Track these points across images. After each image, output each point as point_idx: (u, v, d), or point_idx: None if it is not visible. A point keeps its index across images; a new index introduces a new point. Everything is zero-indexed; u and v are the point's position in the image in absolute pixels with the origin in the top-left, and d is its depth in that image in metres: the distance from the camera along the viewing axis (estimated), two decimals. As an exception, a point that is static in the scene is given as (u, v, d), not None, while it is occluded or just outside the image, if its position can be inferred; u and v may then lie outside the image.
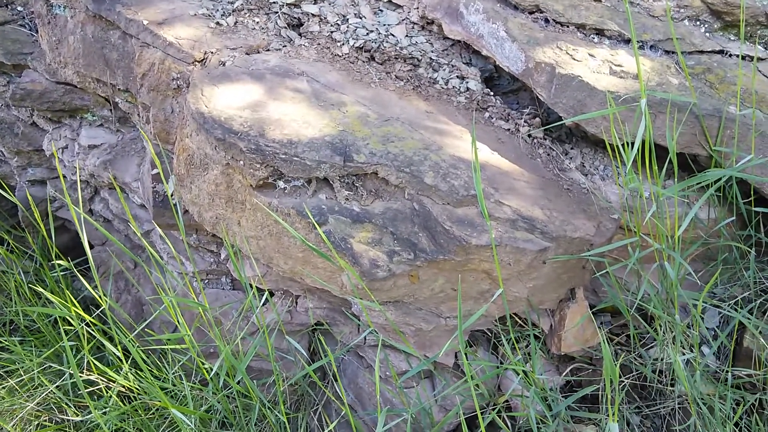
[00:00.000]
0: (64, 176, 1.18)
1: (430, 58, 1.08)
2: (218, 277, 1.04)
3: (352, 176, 0.82)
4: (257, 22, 1.11)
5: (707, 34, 0.95)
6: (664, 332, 0.77)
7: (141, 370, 0.89)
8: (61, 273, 1.09)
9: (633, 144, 0.78)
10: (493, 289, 0.80)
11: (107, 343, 0.81)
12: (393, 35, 1.12)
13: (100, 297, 0.91)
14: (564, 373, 0.90)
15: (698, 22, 0.96)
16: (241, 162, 0.79)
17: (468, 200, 0.78)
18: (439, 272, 0.77)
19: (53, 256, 1.05)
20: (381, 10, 1.19)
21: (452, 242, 0.74)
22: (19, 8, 1.39)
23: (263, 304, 0.94)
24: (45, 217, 1.31)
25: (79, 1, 1.13)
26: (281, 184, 0.81)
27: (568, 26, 0.95)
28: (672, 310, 0.77)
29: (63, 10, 1.18)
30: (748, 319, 0.75)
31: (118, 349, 0.84)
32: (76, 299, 1.16)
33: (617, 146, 0.79)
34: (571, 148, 0.95)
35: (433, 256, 0.75)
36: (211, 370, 0.89)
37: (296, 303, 0.94)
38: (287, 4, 1.14)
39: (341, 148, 0.79)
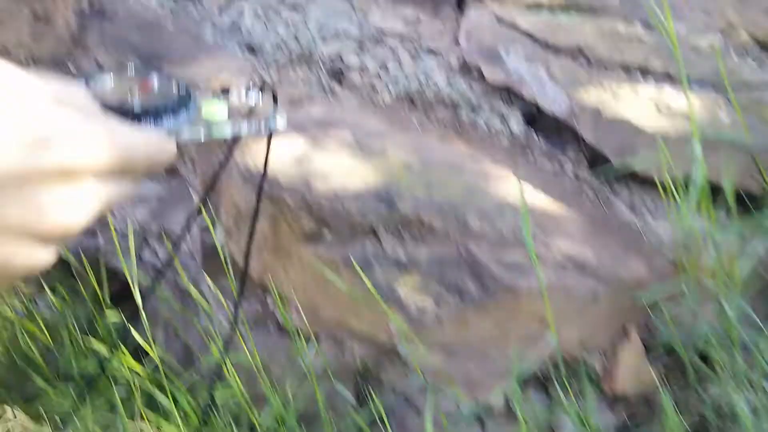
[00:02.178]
0: (114, 226, 1.21)
1: (471, 102, 1.09)
2: (265, 323, 1.04)
3: (398, 223, 0.82)
4: (300, 75, 1.14)
5: (757, 67, 0.93)
6: (723, 372, 0.74)
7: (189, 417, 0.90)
8: (113, 322, 1.11)
9: (685, 184, 0.76)
10: (543, 331, 0.78)
11: (158, 393, 0.82)
12: (433, 81, 1.14)
13: (150, 347, 0.92)
14: (619, 414, 0.87)
15: (746, 56, 0.94)
16: (288, 215, 0.80)
17: (515, 244, 0.77)
18: (488, 316, 0.76)
19: (104, 305, 1.08)
20: (420, 57, 1.21)
21: (500, 286, 0.73)
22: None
23: (309, 350, 0.94)
24: (96, 265, 1.34)
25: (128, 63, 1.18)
26: (327, 234, 0.81)
27: (611, 66, 0.95)
28: (731, 349, 0.74)
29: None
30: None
31: (168, 399, 0.85)
32: (126, 345, 1.18)
33: (669, 187, 0.78)
34: (619, 185, 0.94)
35: (482, 301, 0.74)
36: (260, 416, 0.88)
37: (343, 347, 0.94)
38: (329, 57, 1.17)
39: (386, 197, 0.80)
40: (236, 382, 0.81)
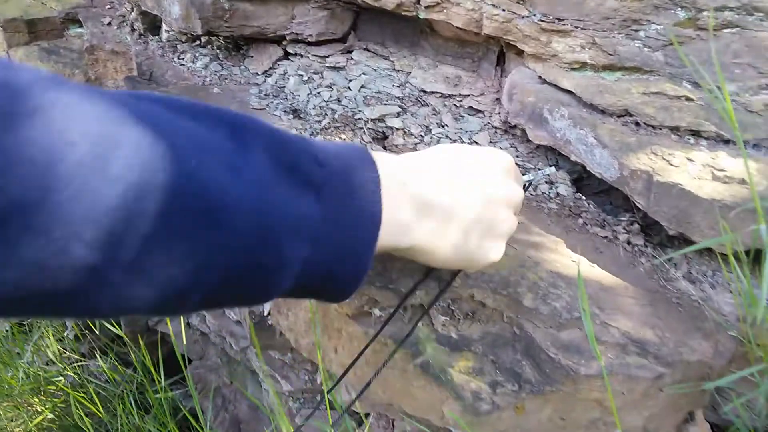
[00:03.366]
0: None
1: (516, 164, 1.08)
2: (314, 396, 1.03)
3: (448, 300, 0.80)
4: (344, 139, 1.15)
5: (814, 126, 0.90)
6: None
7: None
8: (162, 392, 1.11)
9: (747, 254, 0.73)
10: (605, 418, 0.75)
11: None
12: (476, 142, 1.13)
13: (199, 425, 0.92)
14: (689, 504, 0.82)
15: (803, 115, 0.90)
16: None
17: (572, 323, 0.74)
18: (546, 402, 0.73)
19: (155, 374, 1.08)
20: (462, 116, 1.21)
21: (559, 371, 0.71)
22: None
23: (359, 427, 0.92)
24: (146, 331, 1.35)
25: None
26: (377, 312, 0.80)
27: (661, 129, 0.93)
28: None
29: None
30: None
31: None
32: (175, 415, 1.18)
33: (729, 257, 0.75)
34: (675, 255, 0.91)
35: (539, 387, 0.71)
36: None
37: (393, 426, 0.92)
38: (372, 120, 1.17)
39: (434, 271, 0.78)
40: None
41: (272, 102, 1.25)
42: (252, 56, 1.41)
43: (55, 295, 0.35)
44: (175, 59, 1.47)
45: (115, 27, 1.72)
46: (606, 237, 0.91)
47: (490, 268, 0.81)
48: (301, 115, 1.21)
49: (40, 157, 0.32)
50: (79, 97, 0.36)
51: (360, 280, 0.53)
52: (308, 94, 1.25)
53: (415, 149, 1.13)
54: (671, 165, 0.86)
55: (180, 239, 0.38)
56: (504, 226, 0.63)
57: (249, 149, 0.44)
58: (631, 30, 1.02)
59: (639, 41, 1.02)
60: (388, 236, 0.54)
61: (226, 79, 1.38)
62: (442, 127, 1.17)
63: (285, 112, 1.22)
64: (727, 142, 0.89)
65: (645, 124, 0.94)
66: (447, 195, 0.59)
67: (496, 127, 1.17)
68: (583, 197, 1.00)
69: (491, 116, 1.19)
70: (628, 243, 0.90)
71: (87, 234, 0.34)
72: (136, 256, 0.36)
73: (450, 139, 1.14)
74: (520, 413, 0.73)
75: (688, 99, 0.95)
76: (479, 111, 1.21)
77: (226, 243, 0.40)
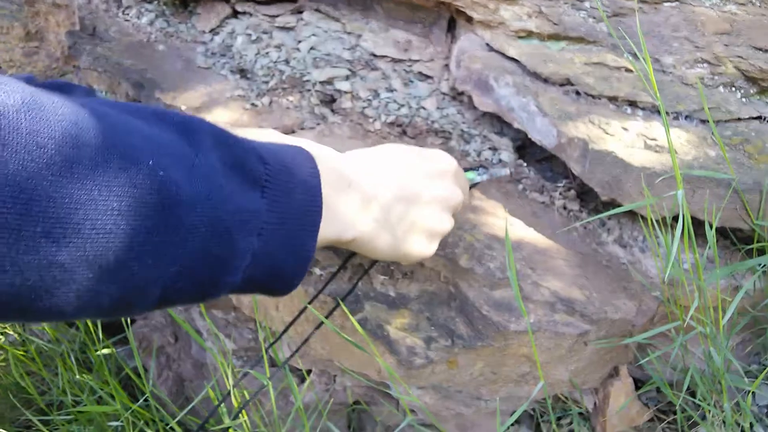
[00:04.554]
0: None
1: (462, 130, 1.09)
2: (257, 354, 1.04)
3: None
4: (291, 101, 1.14)
5: (743, 100, 0.94)
6: (712, 416, 0.74)
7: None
8: (104, 349, 1.11)
9: (672, 219, 0.76)
10: (534, 371, 0.79)
11: (149, 431, 0.82)
12: (424, 108, 1.14)
13: (141, 381, 0.92)
14: (611, 454, 0.87)
15: (733, 89, 0.95)
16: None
17: (505, 283, 0.77)
18: (478, 357, 0.76)
19: (95, 333, 1.08)
20: (412, 81, 1.21)
21: (490, 328, 0.74)
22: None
23: (301, 385, 0.94)
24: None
25: (120, 86, 1.18)
26: (317, 270, 0.81)
27: (600, 98, 0.95)
28: (720, 389, 0.75)
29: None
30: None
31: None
32: (119, 373, 1.17)
33: (651, 222, 0.78)
34: (608, 219, 0.94)
35: (472, 342, 0.74)
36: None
37: (334, 381, 0.94)
38: (320, 82, 1.17)
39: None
40: (230, 426, 0.82)
41: (219, 61, 1.24)
42: (199, 13, 1.38)
43: (20, 295, 0.36)
44: (120, 14, 1.43)
45: (58, -22, 1.65)
46: (543, 202, 0.94)
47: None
48: (248, 76, 1.20)
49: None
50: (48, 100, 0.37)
51: (304, 271, 0.55)
52: (256, 54, 1.23)
53: (362, 113, 1.14)
54: (607, 133, 0.89)
55: (140, 234, 0.40)
56: (439, 226, 0.67)
57: (199, 148, 0.46)
58: (577, 0, 1.04)
59: (584, 11, 1.05)
60: (330, 228, 0.57)
61: (171, 36, 1.35)
62: (391, 91, 1.18)
63: (232, 71, 1.21)
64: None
65: (585, 93, 0.97)
66: (389, 193, 0.63)
67: (444, 94, 1.18)
68: (525, 164, 1.02)
69: (440, 82, 1.20)
70: (564, 208, 0.93)
71: (55, 230, 0.35)
72: (100, 251, 0.38)
73: (398, 103, 1.15)
74: (453, 367, 0.76)
75: (628, 70, 0.98)
76: (428, 77, 1.22)
77: (182, 237, 0.43)
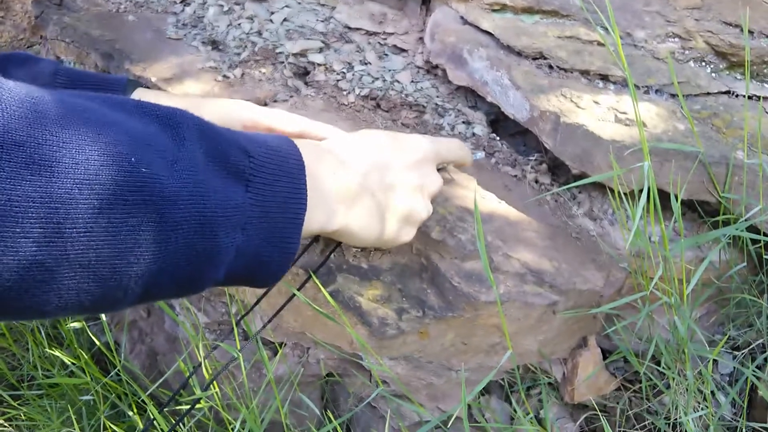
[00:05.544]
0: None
1: (436, 104, 1.09)
2: (230, 328, 1.04)
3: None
4: (264, 73, 1.13)
5: (713, 75, 0.95)
6: (676, 384, 0.76)
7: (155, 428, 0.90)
8: (75, 323, 1.10)
9: (640, 192, 0.77)
10: (504, 342, 0.80)
11: (121, 404, 0.82)
12: (398, 81, 1.13)
13: (113, 355, 0.92)
14: (578, 422, 0.89)
15: (703, 63, 0.95)
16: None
17: (475, 254, 0.78)
18: (449, 328, 0.77)
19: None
20: (386, 55, 1.20)
21: (461, 299, 0.74)
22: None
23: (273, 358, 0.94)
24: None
25: (89, 57, 1.16)
26: (289, 242, 0.81)
27: (572, 72, 0.96)
28: (684, 359, 0.77)
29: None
30: (757, 376, 0.74)
31: (133, 410, 0.85)
32: (91, 348, 1.17)
33: (618, 194, 0.79)
34: (579, 192, 0.95)
35: (442, 313, 0.75)
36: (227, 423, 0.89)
37: (307, 354, 0.94)
38: (293, 54, 1.15)
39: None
40: (202, 396, 0.82)
41: (190, 32, 1.21)
42: (171, -17, 1.35)
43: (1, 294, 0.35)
44: (88, -17, 1.39)
45: (23, -55, 1.60)
46: (515, 176, 0.95)
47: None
48: (220, 47, 1.18)
49: None
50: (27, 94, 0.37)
51: (289, 264, 0.55)
52: (228, 26, 1.21)
53: (336, 86, 1.13)
54: (578, 107, 0.90)
55: (122, 232, 0.39)
56: (417, 212, 0.68)
57: (182, 142, 0.45)
58: (550, -27, 1.03)
59: (557, -15, 1.04)
60: (315, 219, 0.57)
61: (141, 6, 1.32)
62: (365, 64, 1.17)
63: (203, 43, 1.19)
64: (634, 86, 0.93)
65: (558, 67, 0.97)
66: (372, 181, 0.64)
67: (418, 67, 1.17)
68: (498, 138, 1.03)
69: (414, 55, 1.19)
70: (536, 182, 0.94)
71: (35, 230, 0.34)
72: (81, 249, 0.37)
73: (372, 77, 1.14)
74: (425, 338, 0.77)
75: (600, 44, 0.99)
76: (403, 50, 1.21)
77: (166, 233, 0.42)
